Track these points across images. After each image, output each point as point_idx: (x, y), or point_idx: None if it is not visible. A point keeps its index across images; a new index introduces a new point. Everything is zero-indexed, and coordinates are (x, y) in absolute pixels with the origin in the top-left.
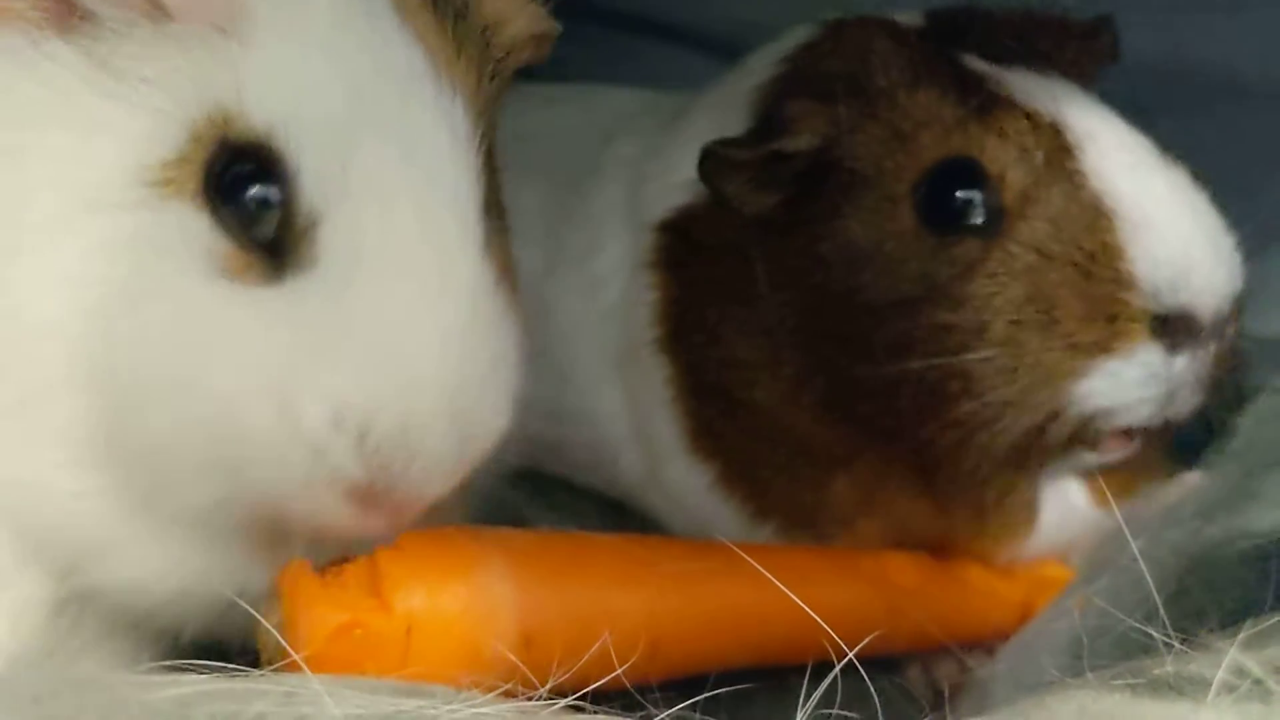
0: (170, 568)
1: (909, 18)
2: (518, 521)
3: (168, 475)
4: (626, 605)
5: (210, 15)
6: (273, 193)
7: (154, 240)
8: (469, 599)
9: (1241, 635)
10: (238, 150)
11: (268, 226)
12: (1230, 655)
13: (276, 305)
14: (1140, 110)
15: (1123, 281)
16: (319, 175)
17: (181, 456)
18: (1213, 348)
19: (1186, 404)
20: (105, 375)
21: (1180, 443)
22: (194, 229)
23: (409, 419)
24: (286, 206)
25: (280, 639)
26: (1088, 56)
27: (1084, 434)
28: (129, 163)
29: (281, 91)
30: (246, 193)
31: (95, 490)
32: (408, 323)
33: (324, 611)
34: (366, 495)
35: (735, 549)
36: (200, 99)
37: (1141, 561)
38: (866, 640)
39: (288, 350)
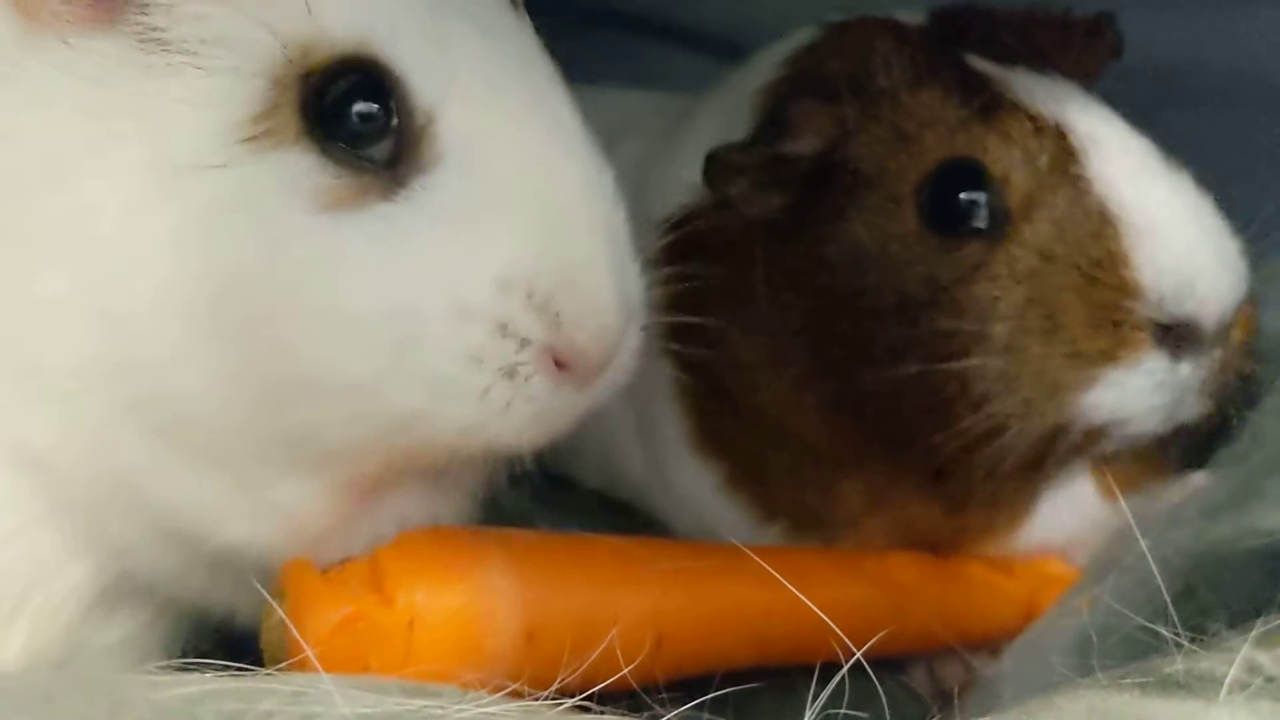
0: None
1: (912, 17)
2: (519, 521)
3: (329, 422)
4: (630, 604)
5: None
6: (377, 108)
7: (260, 195)
8: (470, 594)
9: (1254, 632)
10: (328, 73)
11: (381, 142)
12: (1244, 652)
13: (409, 213)
14: (1142, 109)
15: (1127, 290)
16: (425, 70)
17: (348, 396)
18: (1217, 353)
19: (1194, 409)
20: (234, 337)
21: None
22: (300, 171)
23: (573, 264)
24: (400, 109)
25: (286, 632)
26: (1091, 53)
27: (1096, 442)
28: (212, 127)
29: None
30: (352, 109)
31: (222, 455)
32: (550, 184)
33: (327, 606)
34: (555, 356)
35: (740, 548)
36: (272, 42)
37: (1150, 560)
38: (874, 640)
39: (435, 248)
